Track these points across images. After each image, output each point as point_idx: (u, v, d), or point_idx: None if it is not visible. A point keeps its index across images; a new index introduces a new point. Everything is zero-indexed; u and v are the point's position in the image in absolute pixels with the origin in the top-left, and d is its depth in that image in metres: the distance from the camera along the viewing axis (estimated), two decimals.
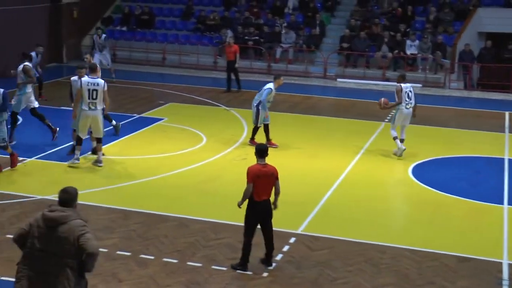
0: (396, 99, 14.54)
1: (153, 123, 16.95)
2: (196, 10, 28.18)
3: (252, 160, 11.90)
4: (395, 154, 14.64)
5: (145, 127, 16.56)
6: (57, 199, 6.36)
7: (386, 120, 18.01)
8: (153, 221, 10.65)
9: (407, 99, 14.49)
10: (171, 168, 13.36)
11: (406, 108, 14.52)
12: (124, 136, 15.57)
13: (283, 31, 25.68)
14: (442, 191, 12.54)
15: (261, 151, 9.01)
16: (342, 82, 23.88)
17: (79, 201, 11.11)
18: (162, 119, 17.40)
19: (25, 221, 6.50)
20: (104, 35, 22.20)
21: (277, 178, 8.99)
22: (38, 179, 12.68)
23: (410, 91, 14.59)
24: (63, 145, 14.60)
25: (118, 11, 28.88)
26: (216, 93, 21.11)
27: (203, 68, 25.40)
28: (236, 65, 21.56)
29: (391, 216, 11.38)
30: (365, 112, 19.05)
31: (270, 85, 15.07)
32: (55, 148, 14.37)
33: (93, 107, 12.86)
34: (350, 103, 20.64)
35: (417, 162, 14.34)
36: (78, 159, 13.14)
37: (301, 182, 12.87)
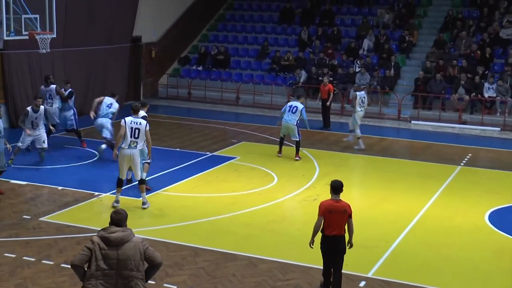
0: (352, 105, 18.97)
1: (225, 162, 17.10)
2: (271, 50, 28.54)
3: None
4: (347, 139, 19.47)
5: (217, 165, 16.72)
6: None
7: (462, 164, 17.59)
8: (222, 259, 10.67)
9: (361, 103, 18.76)
10: (242, 206, 13.41)
11: (361, 111, 18.81)
12: (196, 173, 15.76)
13: (357, 70, 25.63)
14: None
15: (336, 187, 8.97)
16: (416, 124, 23.54)
17: (151, 237, 11.33)
18: (235, 157, 17.54)
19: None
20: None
21: (350, 216, 8.93)
22: None
23: (364, 97, 19.02)
24: (135, 181, 14.89)
25: (195, 51, 29.57)
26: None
27: (276, 108, 25.51)
28: (327, 103, 21.81)
29: (465, 263, 11.00)
30: (440, 155, 18.66)
31: (300, 104, 17.54)
32: (129, 184, 14.67)
33: (133, 146, 12.78)
34: (425, 145, 20.27)
35: (494, 208, 13.87)
36: (117, 201, 12.97)
37: (372, 224, 12.65)
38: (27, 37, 17.13)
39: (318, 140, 20.28)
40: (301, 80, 26.11)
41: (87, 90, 22.92)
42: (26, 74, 20.63)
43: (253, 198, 14.07)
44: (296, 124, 17.25)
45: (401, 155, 18.90)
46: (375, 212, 13.49)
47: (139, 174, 13.03)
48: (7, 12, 16.41)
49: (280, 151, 17.77)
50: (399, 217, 13.15)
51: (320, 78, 25.09)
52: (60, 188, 14.20)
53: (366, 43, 27.36)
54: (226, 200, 13.94)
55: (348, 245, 9.02)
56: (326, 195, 13.99)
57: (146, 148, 12.99)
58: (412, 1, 28.97)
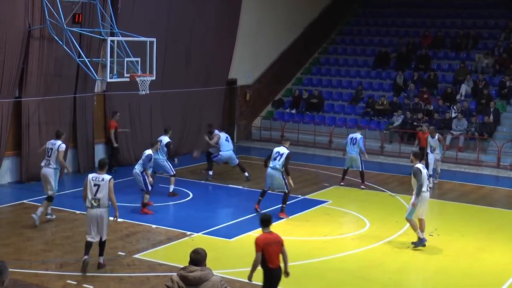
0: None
1: (317, 205, 16.97)
2: (366, 94, 28.37)
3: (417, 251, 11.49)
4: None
5: (309, 208, 16.62)
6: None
7: None
8: None
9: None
10: (333, 251, 13.22)
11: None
12: (287, 216, 15.69)
13: (454, 116, 24.99)
14: None
15: (266, 220, 9.34)
16: None
17: (241, 279, 11.33)
18: (326, 201, 17.38)
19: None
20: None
21: (282, 245, 9.16)
22: None
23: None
24: (227, 222, 15.05)
25: (289, 94, 29.81)
26: (382, 178, 20.83)
27: (369, 153, 25.14)
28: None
29: None
30: None
31: (359, 135, 18.89)
32: (221, 225, 14.81)
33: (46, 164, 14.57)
34: None
35: None
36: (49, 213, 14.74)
37: (470, 275, 12.15)
38: (128, 79, 17.79)
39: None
40: (396, 123, 25.71)
41: (183, 130, 23.50)
42: (126, 115, 21.33)
43: (344, 243, 13.86)
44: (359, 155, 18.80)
45: (501, 205, 18.13)
46: (473, 263, 12.97)
47: (49, 191, 14.50)
48: (111, 56, 17.17)
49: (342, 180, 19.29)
50: (498, 269, 12.57)
51: (415, 123, 24.69)
52: (154, 226, 14.50)
53: (464, 88, 26.72)
54: (317, 244, 13.80)
55: (285, 275, 9.19)
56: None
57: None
58: None
